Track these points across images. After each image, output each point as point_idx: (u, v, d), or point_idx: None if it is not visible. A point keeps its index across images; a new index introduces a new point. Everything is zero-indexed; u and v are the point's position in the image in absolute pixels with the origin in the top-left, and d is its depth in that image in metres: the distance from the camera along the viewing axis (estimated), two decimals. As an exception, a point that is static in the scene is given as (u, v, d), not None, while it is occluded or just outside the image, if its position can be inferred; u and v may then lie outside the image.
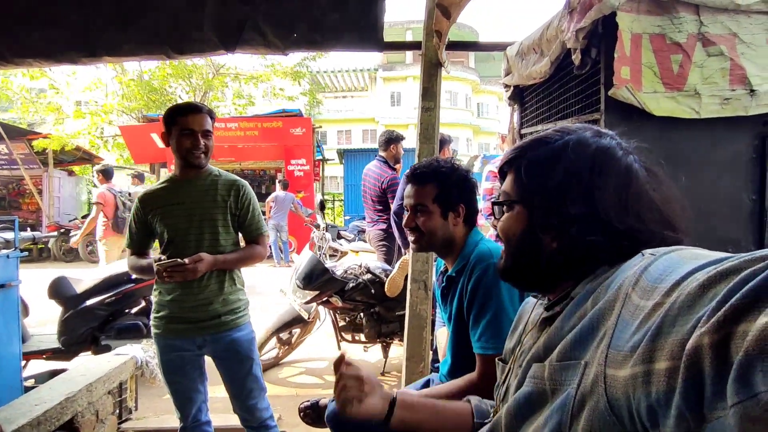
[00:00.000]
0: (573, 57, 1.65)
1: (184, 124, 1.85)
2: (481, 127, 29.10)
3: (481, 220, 4.61)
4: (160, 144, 10.69)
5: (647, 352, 0.51)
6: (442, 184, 1.48)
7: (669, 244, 0.69)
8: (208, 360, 2.02)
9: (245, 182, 2.06)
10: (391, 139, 4.16)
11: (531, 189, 0.77)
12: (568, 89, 1.90)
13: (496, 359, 0.94)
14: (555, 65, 1.89)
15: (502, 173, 0.85)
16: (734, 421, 0.40)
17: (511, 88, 2.54)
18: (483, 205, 4.07)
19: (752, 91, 1.51)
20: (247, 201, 2.00)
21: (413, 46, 2.74)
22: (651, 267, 0.61)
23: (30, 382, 2.66)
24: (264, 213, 10.70)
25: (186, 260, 1.76)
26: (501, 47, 2.54)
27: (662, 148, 1.59)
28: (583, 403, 0.60)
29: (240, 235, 2.05)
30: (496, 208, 0.84)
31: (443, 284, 1.56)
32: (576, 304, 0.69)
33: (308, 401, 1.91)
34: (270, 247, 9.70)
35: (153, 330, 1.96)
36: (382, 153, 4.21)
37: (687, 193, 1.70)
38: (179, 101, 14.30)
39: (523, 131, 2.56)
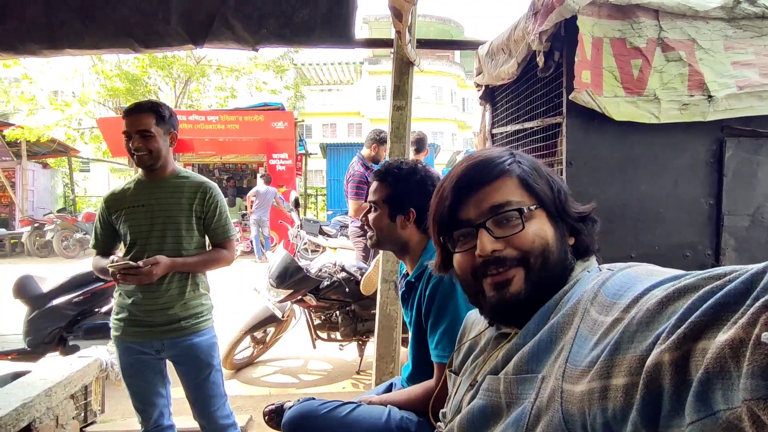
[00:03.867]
0: (537, 59, 1.64)
1: (124, 125, 1.82)
2: (466, 122, 29.15)
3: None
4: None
5: (605, 367, 0.51)
6: (394, 186, 1.47)
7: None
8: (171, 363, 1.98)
9: (213, 184, 2.01)
10: (376, 139, 4.06)
11: (543, 193, 0.74)
12: (534, 91, 1.90)
13: (447, 370, 0.92)
14: (522, 66, 1.88)
15: (477, 183, 0.74)
16: None
17: (483, 87, 2.53)
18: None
19: (710, 97, 1.52)
20: (214, 204, 1.96)
21: (385, 43, 2.71)
22: (608, 282, 0.61)
23: (-11, 386, 2.58)
24: (245, 208, 10.64)
25: (140, 263, 1.71)
26: (473, 46, 2.52)
27: (622, 152, 1.59)
28: (538, 418, 0.60)
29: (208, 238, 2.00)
30: (511, 217, 0.72)
31: (403, 288, 1.55)
32: (538, 318, 0.68)
33: (273, 404, 1.88)
34: (252, 242, 9.62)
35: (113, 332, 1.91)
36: (364, 150, 4.16)
37: (646, 198, 1.73)
38: (159, 93, 14.12)
39: (494, 131, 2.56)
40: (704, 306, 0.42)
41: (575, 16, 1.46)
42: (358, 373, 3.69)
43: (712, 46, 1.51)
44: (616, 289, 0.58)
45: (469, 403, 0.74)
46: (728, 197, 1.61)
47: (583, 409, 0.53)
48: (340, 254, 4.99)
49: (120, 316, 1.88)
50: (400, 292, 1.59)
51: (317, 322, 3.70)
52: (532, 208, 0.72)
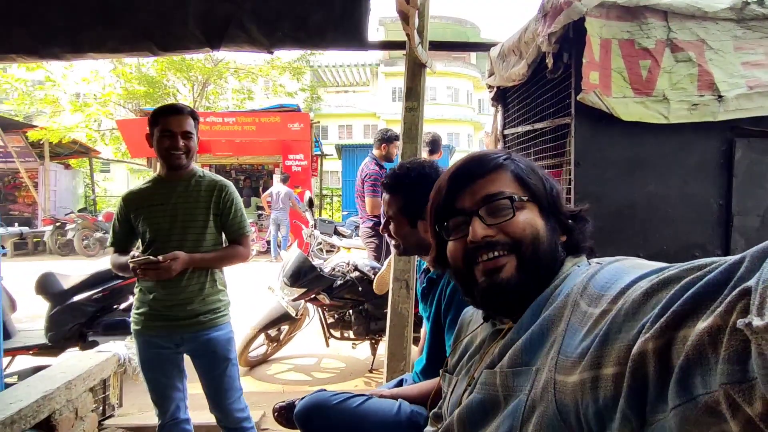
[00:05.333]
0: (546, 61, 1.65)
1: (164, 124, 1.86)
2: (482, 123, 28.99)
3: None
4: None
5: (595, 358, 0.53)
6: (407, 195, 1.46)
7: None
8: (188, 357, 2.04)
9: (228, 182, 2.07)
10: (383, 139, 4.16)
11: (535, 188, 0.77)
12: (544, 92, 1.90)
13: (441, 370, 0.94)
14: (532, 68, 1.89)
15: (473, 175, 0.78)
16: (674, 423, 0.42)
17: (495, 88, 2.54)
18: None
19: (720, 96, 1.51)
20: (230, 201, 2.01)
21: (398, 45, 2.73)
22: (597, 275, 0.63)
23: (13, 379, 2.68)
24: (261, 208, 10.79)
25: (160, 257, 1.77)
26: (485, 47, 2.54)
27: (631, 152, 1.59)
28: (533, 409, 0.62)
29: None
30: (503, 206, 0.75)
31: (424, 284, 1.56)
32: (531, 312, 0.70)
33: (284, 402, 1.91)
34: (268, 242, 9.74)
35: (132, 326, 1.98)
36: (374, 150, 4.23)
37: (655, 198, 1.72)
38: (178, 95, 14.37)
39: (505, 132, 2.56)
40: (685, 296, 0.44)
41: (583, 18, 1.46)
42: (370, 371, 3.72)
43: (722, 46, 1.51)
44: (604, 281, 0.60)
45: (467, 398, 0.76)
46: (738, 198, 1.59)
47: (576, 400, 0.54)
48: (354, 254, 5.03)
49: (141, 310, 1.95)
50: (420, 288, 1.61)
51: (330, 320, 3.73)
52: (524, 199, 0.75)
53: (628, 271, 0.59)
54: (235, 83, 15.13)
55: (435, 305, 1.49)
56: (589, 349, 0.54)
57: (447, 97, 27.71)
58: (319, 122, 14.74)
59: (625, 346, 0.49)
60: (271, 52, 2.78)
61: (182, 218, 1.92)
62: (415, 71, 2.57)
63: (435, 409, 0.98)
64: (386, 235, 1.57)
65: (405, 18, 1.55)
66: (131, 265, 1.78)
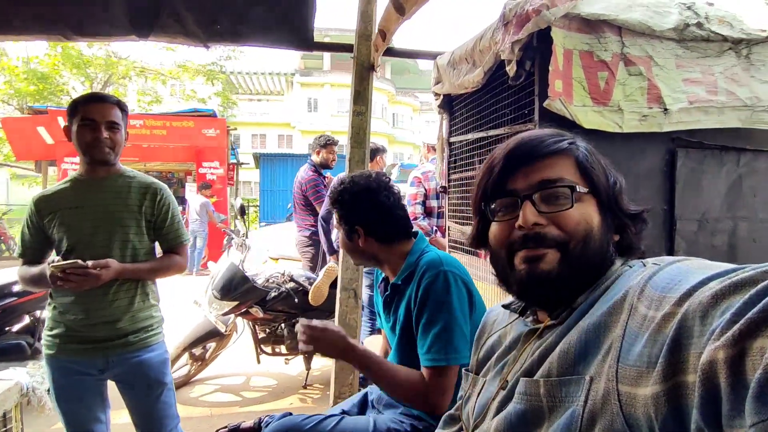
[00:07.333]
0: (508, 68, 1.69)
1: (84, 113, 1.62)
2: (395, 137, 29.74)
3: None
4: (49, 139, 9.52)
5: (668, 366, 0.48)
6: (339, 208, 1.50)
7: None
8: (111, 384, 1.78)
9: (164, 185, 1.86)
10: (317, 145, 4.13)
11: (597, 180, 0.71)
12: (501, 99, 1.96)
13: (464, 369, 0.89)
14: (488, 75, 1.93)
15: (532, 155, 0.71)
16: None
17: (441, 96, 2.58)
18: (409, 210, 4.14)
19: (665, 109, 1.66)
20: (166, 206, 1.80)
21: (344, 48, 2.68)
22: (656, 276, 0.58)
23: None
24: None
25: (90, 263, 1.52)
26: (432, 56, 2.57)
27: (589, 159, 1.68)
28: (592, 422, 0.56)
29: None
30: (560, 195, 0.69)
31: (387, 292, 1.50)
32: (579, 315, 0.65)
33: (226, 427, 1.73)
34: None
35: (45, 350, 1.68)
36: (313, 157, 4.16)
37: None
38: (73, 94, 12.99)
39: (451, 139, 2.61)
40: (762, 302, 0.40)
41: (549, 27, 1.53)
42: (305, 387, 3.55)
43: (666, 63, 1.67)
44: (665, 282, 0.56)
45: (501, 405, 0.70)
46: (679, 203, 1.76)
47: (648, 414, 0.49)
48: (282, 264, 4.81)
49: (56, 331, 1.66)
50: (382, 297, 1.55)
51: (262, 335, 3.52)
52: (584, 190, 0.70)
53: (693, 272, 0.54)
54: (140, 84, 14.05)
55: (404, 311, 1.43)
56: (657, 357, 0.49)
57: (364, 109, 28.08)
58: (236, 129, 14.15)
59: (698, 353, 0.45)
60: (207, 47, 2.59)
61: (108, 223, 1.68)
62: (363, 75, 2.53)
63: (451, 411, 0.92)
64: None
65: (400, 8, 1.49)
66: (50, 270, 1.50)
